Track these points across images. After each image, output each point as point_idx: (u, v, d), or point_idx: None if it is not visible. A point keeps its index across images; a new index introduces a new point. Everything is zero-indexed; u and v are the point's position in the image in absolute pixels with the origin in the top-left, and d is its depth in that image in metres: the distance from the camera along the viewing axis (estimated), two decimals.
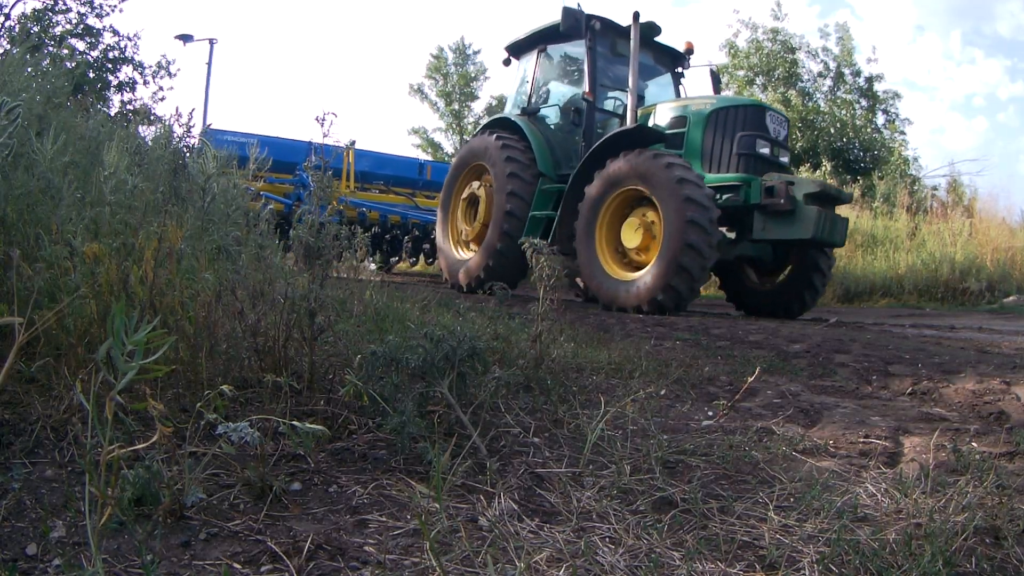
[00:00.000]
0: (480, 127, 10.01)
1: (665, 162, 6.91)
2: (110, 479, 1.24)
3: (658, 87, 9.37)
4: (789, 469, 2.09)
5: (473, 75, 32.73)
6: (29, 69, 3.14)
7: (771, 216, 7.09)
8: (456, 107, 32.49)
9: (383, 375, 2.14)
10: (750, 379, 3.08)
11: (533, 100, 9.45)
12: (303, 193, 11.83)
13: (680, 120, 7.86)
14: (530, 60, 9.45)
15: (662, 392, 3.04)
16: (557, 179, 8.67)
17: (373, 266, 15.43)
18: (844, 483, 1.95)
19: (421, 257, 16.15)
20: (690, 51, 9.29)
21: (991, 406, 3.04)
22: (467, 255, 9.53)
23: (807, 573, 1.42)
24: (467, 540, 1.47)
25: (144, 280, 2.06)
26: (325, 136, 2.58)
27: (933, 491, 1.84)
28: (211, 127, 12.36)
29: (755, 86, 22.63)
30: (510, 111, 9.79)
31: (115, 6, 15.74)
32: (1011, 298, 10.66)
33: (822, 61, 22.69)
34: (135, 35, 16.27)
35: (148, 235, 2.09)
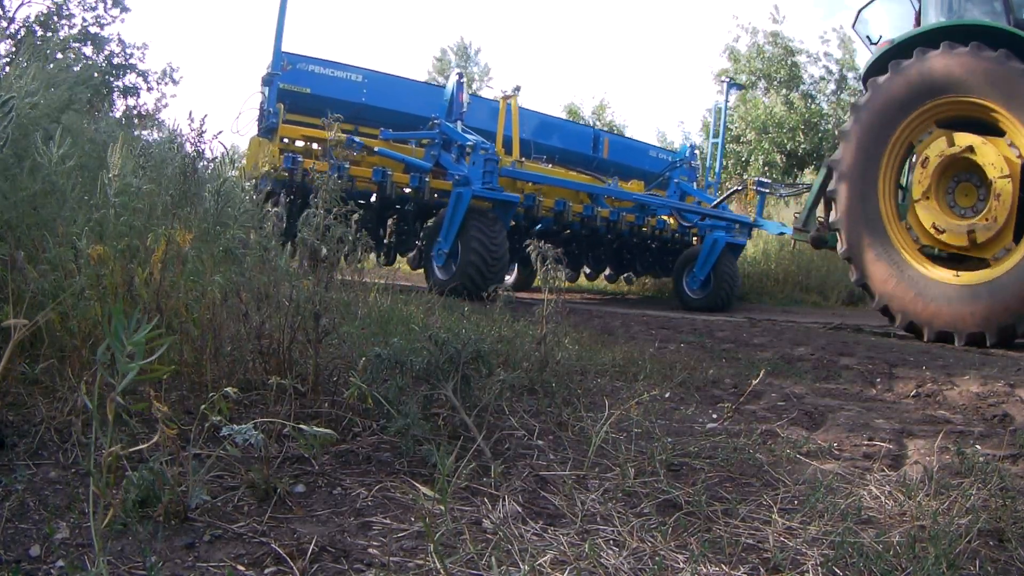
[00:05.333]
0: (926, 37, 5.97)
1: None
2: (112, 480, 1.24)
3: None
4: (793, 472, 2.09)
5: (478, 75, 32.96)
6: (33, 73, 3.15)
7: None
8: None
9: (387, 377, 2.14)
10: (754, 382, 3.08)
11: None
12: (447, 157, 8.33)
13: None
14: None
15: (666, 395, 3.04)
16: None
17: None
18: (848, 485, 1.95)
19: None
20: None
21: (995, 408, 3.03)
22: (950, 276, 5.69)
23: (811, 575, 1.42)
24: (471, 542, 1.47)
25: (149, 282, 2.07)
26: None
27: (937, 493, 1.83)
28: (289, 52, 8.55)
29: (758, 89, 22.71)
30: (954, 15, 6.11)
31: (117, 17, 15.80)
32: None
33: (824, 66, 22.75)
34: (142, 45, 16.32)
35: (156, 238, 2.10)
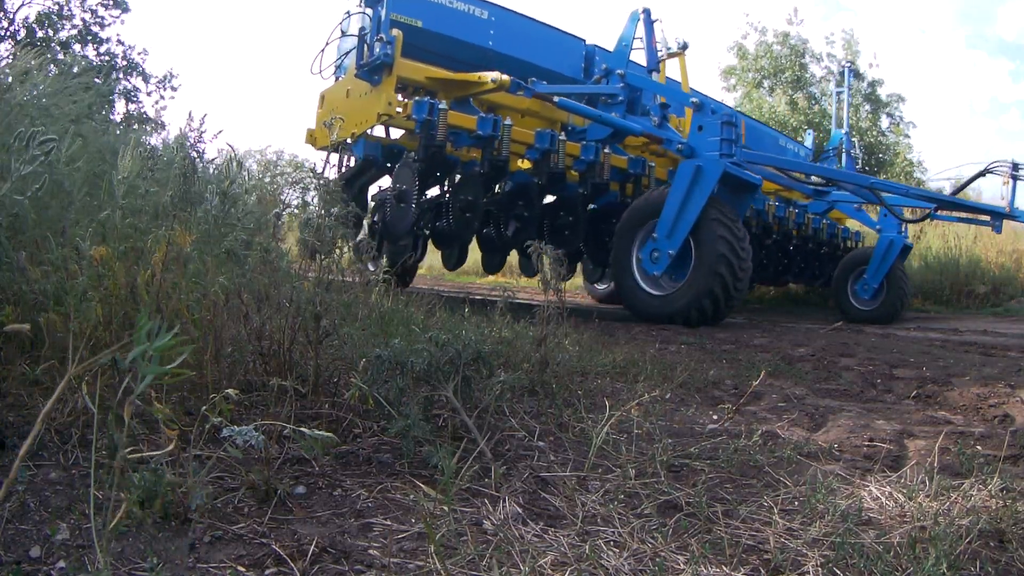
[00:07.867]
0: None
1: None
2: (122, 481, 1.24)
3: None
4: (794, 473, 2.09)
5: None
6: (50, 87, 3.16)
7: None
8: None
9: (388, 379, 2.14)
10: (755, 383, 3.08)
11: None
12: (642, 121, 6.70)
13: None
14: None
15: (667, 396, 3.04)
16: None
17: None
18: (849, 486, 1.95)
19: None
20: None
21: (996, 409, 3.03)
22: None
23: None
24: (472, 543, 1.47)
25: (150, 283, 2.07)
26: None
27: (937, 494, 1.83)
28: None
29: (763, 88, 22.72)
30: None
31: (117, 16, 15.80)
32: (1016, 300, 10.63)
33: (826, 67, 22.80)
34: (143, 51, 16.35)
35: (157, 239, 2.10)
